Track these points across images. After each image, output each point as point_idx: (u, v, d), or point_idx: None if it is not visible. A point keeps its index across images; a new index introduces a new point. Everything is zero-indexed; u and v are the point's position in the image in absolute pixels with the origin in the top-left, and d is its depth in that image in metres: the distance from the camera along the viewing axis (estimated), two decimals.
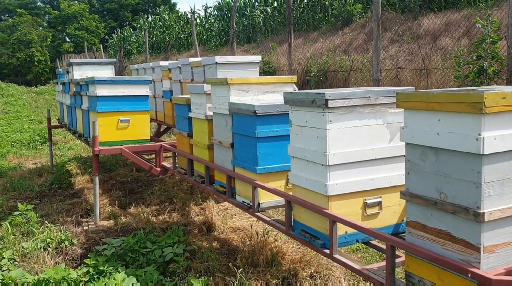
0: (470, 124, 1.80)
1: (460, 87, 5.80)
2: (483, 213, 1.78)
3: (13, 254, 4.19)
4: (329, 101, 2.59)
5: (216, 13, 22.92)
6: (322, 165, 2.68)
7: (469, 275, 1.81)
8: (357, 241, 2.79)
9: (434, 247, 2.01)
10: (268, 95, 3.95)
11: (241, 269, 3.61)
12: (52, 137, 9.24)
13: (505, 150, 1.80)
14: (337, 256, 2.62)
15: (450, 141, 1.88)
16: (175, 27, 24.82)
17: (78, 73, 6.96)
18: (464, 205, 1.85)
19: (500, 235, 1.85)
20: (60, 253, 4.33)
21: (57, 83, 8.93)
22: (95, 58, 26.42)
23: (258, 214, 3.45)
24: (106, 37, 41.58)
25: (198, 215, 5.31)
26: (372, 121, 2.74)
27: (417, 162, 2.06)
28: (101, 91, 5.38)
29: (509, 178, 1.84)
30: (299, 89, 10.20)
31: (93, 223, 5.25)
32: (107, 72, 7.01)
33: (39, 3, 45.28)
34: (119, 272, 3.59)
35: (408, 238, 2.15)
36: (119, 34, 32.97)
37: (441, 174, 1.94)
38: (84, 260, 3.94)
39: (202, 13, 24.99)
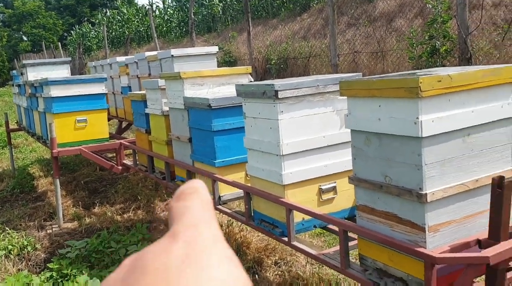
0: (408, 109, 1.84)
1: (414, 69, 5.93)
2: (426, 194, 1.84)
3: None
4: (279, 92, 2.61)
5: (175, 4, 22.62)
6: (277, 155, 2.70)
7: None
8: (314, 226, 2.84)
9: (383, 229, 2.06)
10: (223, 87, 3.94)
11: None
12: (13, 141, 9.00)
13: (443, 132, 1.86)
14: (295, 243, 2.66)
15: (391, 126, 1.92)
16: (134, 21, 24.38)
17: (33, 75, 6.78)
18: (407, 187, 1.91)
19: (443, 214, 1.92)
20: (23, 259, 4.25)
21: (13, 85, 8.68)
22: (54, 56, 25.76)
23: (220, 206, 3.46)
24: (65, 34, 40.51)
25: (163, 211, 5.28)
26: (322, 109, 2.77)
27: (362, 147, 2.11)
28: (56, 92, 5.26)
29: (449, 158, 1.90)
30: (260, 78, 10.20)
31: (56, 226, 5.16)
32: (63, 72, 6.85)
33: None
34: (83, 274, 3.55)
35: (359, 221, 2.20)
36: (78, 30, 32.17)
37: (385, 158, 1.99)
38: (48, 265, 3.88)
39: (161, 5, 24.62)
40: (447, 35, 5.50)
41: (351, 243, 2.40)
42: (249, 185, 3.14)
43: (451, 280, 1.96)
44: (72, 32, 34.08)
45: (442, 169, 1.89)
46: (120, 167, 5.12)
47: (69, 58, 7.51)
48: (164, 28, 21.25)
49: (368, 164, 2.08)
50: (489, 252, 1.78)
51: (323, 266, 3.53)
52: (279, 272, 3.53)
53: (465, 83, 1.89)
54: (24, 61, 7.11)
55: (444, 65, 5.52)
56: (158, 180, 4.42)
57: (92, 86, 5.40)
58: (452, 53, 5.57)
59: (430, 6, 5.72)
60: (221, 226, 4.36)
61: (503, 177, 1.81)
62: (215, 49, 5.23)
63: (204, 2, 18.32)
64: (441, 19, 5.53)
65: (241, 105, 3.14)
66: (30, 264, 4.18)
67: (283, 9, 13.93)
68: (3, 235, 4.68)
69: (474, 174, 1.98)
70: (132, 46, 20.53)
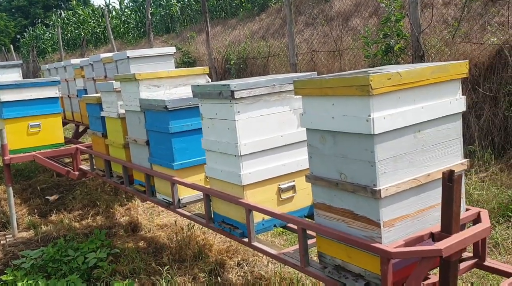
0: (360, 107, 1.87)
1: (370, 67, 6.04)
2: (380, 190, 1.87)
3: None
4: (235, 93, 2.59)
5: (132, 4, 22.26)
6: (235, 156, 2.69)
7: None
8: (275, 225, 2.85)
9: (340, 226, 2.08)
10: (180, 88, 3.89)
11: (167, 267, 3.57)
12: None
13: (395, 128, 1.89)
14: (255, 243, 2.65)
15: (344, 124, 1.94)
16: (90, 22, 23.84)
17: None
18: (362, 184, 1.93)
19: (397, 209, 1.95)
20: None
21: None
22: (7, 59, 24.86)
23: (179, 210, 3.41)
24: (18, 36, 39.19)
25: (123, 216, 5.18)
26: (279, 109, 2.78)
27: (317, 145, 2.12)
28: (6, 96, 5.07)
29: (401, 154, 1.94)
30: (220, 78, 10.14)
31: (11, 236, 4.97)
32: (14, 75, 6.62)
33: None
34: (39, 285, 3.44)
35: (316, 219, 2.21)
36: (31, 32, 31.18)
37: (340, 155, 2.01)
38: (1, 277, 3.73)
39: (117, 6, 24.18)
40: (400, 34, 5.63)
41: (310, 241, 2.42)
42: (208, 186, 3.11)
43: (406, 273, 2.00)
44: (25, 34, 33.02)
45: (394, 165, 1.92)
46: (76, 173, 4.98)
47: (20, 61, 7.26)
48: (122, 29, 20.88)
49: (324, 162, 2.09)
50: (441, 244, 1.83)
51: (285, 265, 3.54)
52: (242, 273, 3.52)
53: (414, 80, 1.93)
54: None
55: (398, 63, 5.65)
56: (116, 184, 4.32)
57: (45, 89, 5.23)
58: (405, 51, 5.70)
59: (384, 5, 5.83)
60: (182, 229, 4.31)
61: (453, 171, 1.86)
62: (172, 49, 5.16)
63: (162, 3, 18.10)
64: (395, 18, 5.65)
65: (198, 106, 3.10)
66: None
67: (241, 9, 13.94)
68: None
69: (426, 168, 2.03)
70: (89, 48, 20.07)
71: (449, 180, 1.86)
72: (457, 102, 2.13)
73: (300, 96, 2.23)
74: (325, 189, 2.11)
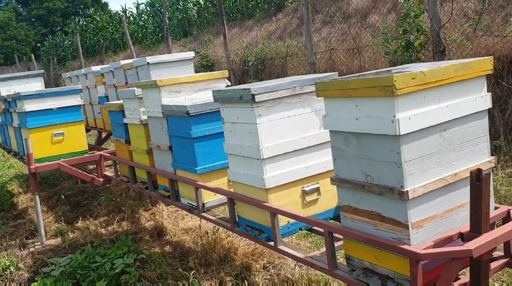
0: (384, 107, 1.85)
1: (390, 63, 5.97)
2: (407, 191, 1.84)
3: None
4: (255, 96, 2.59)
5: (149, 9, 22.47)
6: (257, 159, 2.69)
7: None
8: (300, 229, 2.83)
9: (368, 228, 2.06)
10: (201, 93, 3.91)
11: (193, 271, 3.59)
12: None
13: (420, 128, 1.87)
14: (281, 247, 2.65)
15: (369, 126, 1.92)
16: (108, 28, 24.15)
17: (6, 89, 6.65)
18: (389, 185, 1.91)
19: (425, 210, 1.92)
20: (6, 280, 4.16)
21: None
22: (28, 68, 25.34)
23: (204, 214, 3.43)
24: (38, 45, 39.93)
25: (148, 221, 5.23)
26: (300, 111, 2.77)
27: (342, 147, 2.11)
28: (30, 106, 5.16)
29: (427, 154, 1.91)
30: (239, 80, 10.17)
31: (39, 243, 5.06)
32: (36, 85, 6.74)
33: None
34: None
35: (343, 222, 2.20)
36: (51, 40, 31.74)
37: (365, 157, 1.99)
38: (32, 284, 3.80)
39: (135, 11, 24.44)
40: (420, 29, 5.55)
41: (337, 243, 2.40)
42: (232, 190, 3.12)
43: (436, 274, 1.97)
44: (45, 42, 33.63)
45: (421, 165, 1.90)
46: (101, 179, 5.05)
47: (42, 71, 7.39)
48: (140, 35, 21.09)
49: (349, 164, 2.08)
50: (471, 244, 1.79)
51: (311, 268, 3.53)
52: (268, 276, 3.52)
53: (439, 79, 1.90)
54: None
55: (419, 59, 5.58)
56: (140, 189, 4.36)
57: (67, 98, 5.31)
58: (426, 46, 5.62)
59: (402, 1, 5.77)
60: (207, 233, 4.33)
61: (481, 169, 1.83)
62: (191, 54, 5.19)
63: (179, 7, 18.23)
64: (414, 13, 5.57)
65: (219, 110, 3.12)
66: (14, 285, 4.09)
67: (258, 10, 13.94)
68: None
69: (453, 168, 2.00)
70: (108, 54, 20.33)
71: (477, 179, 1.82)
72: (482, 99, 2.09)
73: (321, 97, 2.22)
74: (351, 191, 2.09)
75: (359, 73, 2.29)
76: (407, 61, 5.61)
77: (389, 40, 5.96)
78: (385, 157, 1.90)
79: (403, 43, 5.73)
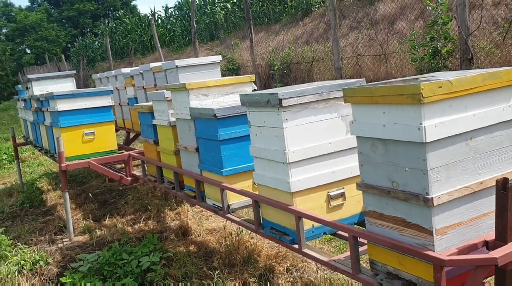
0: (411, 115, 1.88)
1: (417, 70, 5.95)
2: (432, 198, 1.87)
3: None
4: (283, 101, 2.65)
5: (177, 13, 22.76)
6: (283, 163, 2.74)
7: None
8: (324, 233, 2.87)
9: (392, 233, 2.09)
10: (228, 96, 3.99)
11: (218, 271, 3.66)
12: (20, 155, 9.08)
13: (447, 136, 1.89)
14: (305, 250, 2.69)
15: (396, 132, 1.95)
16: (137, 31, 24.55)
17: (38, 89, 6.86)
18: (414, 192, 1.94)
19: (450, 217, 1.94)
20: (36, 274, 4.31)
21: (18, 99, 8.77)
22: (58, 68, 25.93)
23: (229, 215, 3.49)
24: (68, 45, 40.81)
25: (173, 220, 5.33)
26: (327, 116, 2.81)
27: (368, 153, 2.14)
28: (62, 106, 5.33)
29: (453, 162, 1.93)
30: (264, 83, 10.21)
31: (67, 239, 5.21)
32: (68, 85, 6.93)
33: None
34: None
35: (368, 227, 2.23)
36: (81, 42, 32.42)
37: (391, 163, 2.02)
38: (60, 279, 3.93)
39: (163, 14, 24.77)
40: (448, 37, 5.53)
41: (361, 248, 2.43)
42: (257, 193, 3.18)
43: (460, 281, 1.99)
44: (75, 43, 34.34)
45: (447, 173, 1.92)
46: (129, 178, 5.17)
47: (74, 71, 7.60)
48: (167, 38, 21.37)
49: (375, 170, 2.11)
50: (496, 253, 1.81)
51: (334, 271, 3.56)
52: (291, 279, 3.56)
53: (466, 88, 1.92)
54: (29, 76, 7.19)
55: (446, 67, 5.55)
56: (167, 189, 4.46)
57: (98, 99, 5.47)
58: (453, 54, 5.59)
59: (430, 8, 5.75)
60: (231, 234, 4.40)
61: (507, 178, 1.84)
62: (218, 58, 5.28)
63: (206, 10, 18.43)
64: (442, 20, 5.55)
65: (246, 114, 3.18)
66: (43, 279, 4.23)
67: (284, 15, 14.00)
68: (15, 251, 4.74)
69: (479, 176, 2.01)
70: (136, 56, 20.66)
71: (503, 188, 1.84)
72: (510, 109, 2.10)
73: (349, 103, 2.26)
74: (376, 197, 2.13)
75: (387, 81, 2.33)
76: (434, 68, 5.59)
77: (416, 47, 5.95)
78: (411, 163, 1.93)
79: (430, 51, 5.71)
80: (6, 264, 4.42)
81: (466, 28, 5.25)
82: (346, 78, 7.36)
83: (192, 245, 4.55)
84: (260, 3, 15.46)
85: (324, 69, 8.44)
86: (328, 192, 2.82)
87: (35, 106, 6.63)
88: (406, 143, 1.93)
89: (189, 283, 3.63)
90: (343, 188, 2.86)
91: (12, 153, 10.55)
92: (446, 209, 1.93)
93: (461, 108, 1.95)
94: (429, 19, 6.02)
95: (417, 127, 1.85)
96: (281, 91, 2.70)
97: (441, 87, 1.85)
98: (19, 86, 9.00)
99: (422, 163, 1.88)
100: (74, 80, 7.32)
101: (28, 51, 41.85)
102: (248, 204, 3.53)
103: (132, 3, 44.42)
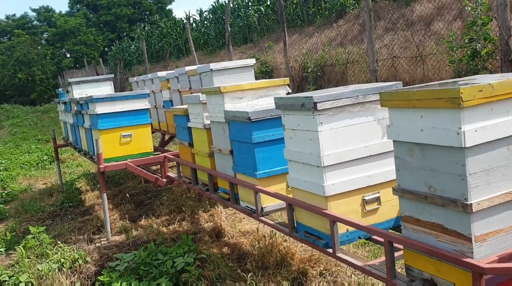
0: (450, 119, 1.85)
1: (455, 72, 5.82)
2: (471, 204, 1.83)
3: (29, 277, 4.29)
4: (318, 104, 2.64)
5: (211, 16, 22.99)
6: (318, 167, 2.73)
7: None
8: (359, 237, 2.84)
9: (429, 239, 2.06)
10: (262, 99, 4.00)
11: (251, 273, 3.67)
12: (60, 156, 9.37)
13: (487, 141, 1.85)
14: (340, 254, 2.67)
15: (434, 137, 1.92)
16: (172, 34, 24.92)
17: (78, 92, 7.06)
18: (452, 197, 1.90)
19: (490, 223, 1.90)
20: (75, 272, 4.43)
21: (59, 102, 9.05)
22: (96, 71, 26.61)
23: (262, 218, 3.50)
24: (106, 49, 41.81)
25: (207, 222, 5.38)
26: (363, 119, 2.79)
27: (405, 158, 2.11)
28: (101, 109, 5.46)
29: (493, 167, 1.88)
30: (297, 86, 10.17)
31: (105, 239, 5.34)
32: (106, 88, 7.10)
33: (35, 22, 45.58)
34: None
35: (404, 232, 2.20)
36: (118, 45, 33.15)
37: (429, 168, 1.99)
38: (98, 277, 4.03)
39: (198, 17, 25.06)
40: (488, 38, 5.39)
41: (396, 254, 2.40)
42: (290, 196, 3.17)
43: None
44: (112, 47, 35.13)
45: (487, 178, 1.87)
46: (164, 180, 5.25)
47: (112, 75, 7.78)
48: (202, 41, 21.60)
49: (412, 175, 2.08)
50: None
51: (368, 276, 3.52)
52: (325, 283, 3.54)
53: (507, 91, 1.87)
54: (69, 80, 7.41)
55: (485, 68, 5.41)
56: (201, 191, 4.51)
57: (136, 102, 5.58)
58: (494, 55, 5.44)
59: (469, 9, 5.62)
60: (264, 237, 4.41)
61: None
62: (252, 61, 5.31)
63: (240, 13, 18.53)
64: (481, 21, 5.42)
65: (280, 117, 3.19)
66: (82, 277, 4.35)
67: (318, 17, 13.94)
68: (55, 249, 4.88)
69: None
70: (172, 59, 20.98)
71: None
72: None
73: (386, 107, 2.23)
74: (413, 202, 2.10)
75: (424, 84, 2.29)
76: (473, 70, 5.45)
77: (454, 48, 5.82)
78: (450, 168, 1.89)
79: (469, 52, 5.58)
80: (47, 262, 4.56)
81: (507, 29, 5.10)
82: (381, 81, 7.27)
83: (226, 247, 4.58)
84: (294, 6, 15.45)
85: (358, 72, 8.36)
86: (363, 196, 2.79)
87: (75, 109, 6.83)
88: (445, 147, 1.89)
89: (222, 285, 3.66)
90: (379, 192, 2.83)
91: (53, 154, 10.88)
92: (485, 215, 1.88)
93: (502, 113, 1.90)
94: (468, 19, 5.88)
95: (456, 131, 1.82)
96: (316, 94, 2.69)
97: (481, 91, 1.81)
98: (60, 89, 9.28)
99: (461, 168, 1.84)
100: (112, 84, 7.50)
101: (68, 55, 43.08)
102: (282, 207, 3.53)
103: (167, 8, 45.12)
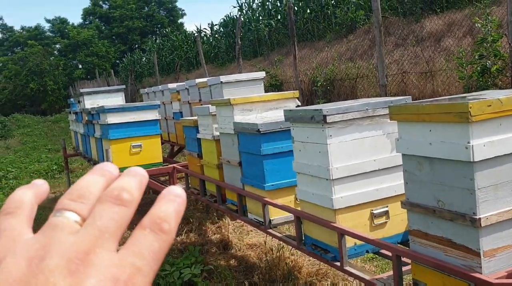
0: (459, 134, 1.86)
1: (465, 88, 5.83)
2: (480, 218, 1.83)
3: None
4: (327, 117, 2.66)
5: (222, 30, 23.19)
6: (326, 180, 2.74)
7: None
8: (367, 251, 2.84)
9: (437, 253, 2.05)
10: (271, 112, 4.03)
11: None
12: (69, 166, 9.43)
13: (495, 156, 1.85)
14: (347, 268, 2.66)
15: (442, 151, 1.93)
16: (183, 47, 25.15)
17: (89, 102, 7.14)
18: (461, 212, 1.90)
19: (499, 238, 1.89)
20: None
21: (70, 112, 9.15)
22: (108, 83, 26.85)
23: (270, 230, 3.51)
24: (117, 61, 42.24)
25: (214, 234, 5.38)
26: (372, 133, 2.80)
27: (414, 171, 2.12)
28: (112, 119, 5.52)
29: (502, 182, 1.89)
30: (307, 99, 10.20)
31: None
32: (117, 99, 7.18)
33: (48, 33, 46.23)
34: None
35: (412, 246, 2.20)
36: (129, 57, 33.47)
37: (437, 182, 2.00)
38: None
39: (209, 31, 25.29)
40: (498, 54, 5.40)
41: (404, 268, 2.39)
42: (299, 208, 3.18)
43: None
44: (124, 59, 35.48)
45: (495, 193, 1.88)
46: None
47: (123, 86, 7.87)
48: (212, 54, 21.77)
49: (421, 189, 2.09)
50: None
51: None
52: None
53: None
54: (81, 90, 7.50)
55: (495, 85, 5.41)
56: (209, 202, 4.53)
57: (146, 112, 5.63)
58: (503, 72, 5.45)
59: (479, 25, 5.64)
60: (271, 250, 4.40)
61: None
62: (262, 74, 5.35)
63: (250, 27, 18.69)
64: (491, 37, 5.43)
65: (290, 129, 3.21)
66: None
67: (329, 31, 14.02)
68: None
69: None
70: (182, 72, 21.14)
71: None
72: None
73: (395, 121, 2.25)
74: (421, 216, 2.10)
75: (433, 99, 2.31)
76: (483, 87, 5.45)
77: (464, 64, 5.83)
78: (458, 182, 1.90)
79: (478, 68, 5.58)
80: None
81: None
82: (391, 96, 7.27)
83: (233, 259, 4.57)
84: (304, 20, 15.56)
85: (368, 86, 8.38)
86: (372, 210, 2.79)
87: (86, 119, 6.90)
88: (453, 161, 1.90)
89: None
90: (387, 206, 2.83)
91: (62, 164, 10.96)
92: (494, 230, 1.88)
93: (511, 128, 1.90)
94: (478, 36, 5.90)
95: (464, 146, 1.83)
96: (325, 107, 2.71)
97: (490, 105, 1.82)
98: (72, 99, 9.39)
99: (470, 182, 1.85)
100: (123, 95, 7.58)
101: (80, 66, 43.56)
102: (290, 219, 3.53)
103: (179, 21, 45.59)
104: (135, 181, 0.42)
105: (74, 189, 0.41)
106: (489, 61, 5.48)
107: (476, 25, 5.95)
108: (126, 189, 0.40)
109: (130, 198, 0.41)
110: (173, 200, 0.41)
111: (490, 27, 5.46)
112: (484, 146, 1.83)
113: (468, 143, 1.82)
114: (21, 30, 45.92)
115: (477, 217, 1.83)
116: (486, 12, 5.70)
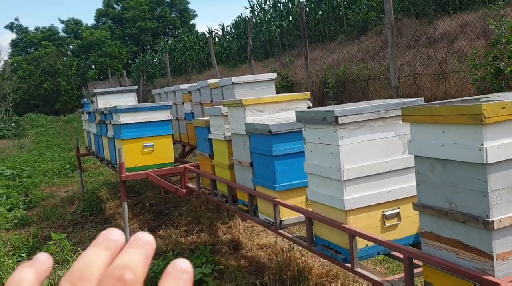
0: (472, 135, 1.85)
1: (478, 91, 5.78)
2: (492, 221, 1.82)
3: (49, 283, 4.35)
4: (339, 118, 2.66)
5: (234, 31, 23.23)
6: (338, 181, 2.74)
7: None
8: (378, 253, 2.83)
9: (449, 256, 2.04)
10: (283, 113, 4.03)
11: None
12: (82, 165, 9.52)
13: (509, 158, 1.84)
14: (358, 269, 2.66)
15: (455, 153, 1.92)
16: (195, 48, 25.23)
17: (102, 102, 7.20)
18: (473, 214, 1.89)
19: None
20: None
21: (83, 112, 9.23)
22: (120, 83, 27.04)
23: (281, 231, 3.51)
24: (129, 62, 42.50)
25: (225, 234, 5.40)
26: (384, 134, 2.79)
27: (426, 173, 2.11)
28: (125, 119, 5.56)
29: None
30: (318, 101, 10.19)
31: None
32: (130, 99, 7.23)
33: (62, 34, 46.68)
34: None
35: (424, 248, 2.19)
36: (142, 58, 33.66)
37: (450, 184, 1.99)
38: None
39: (220, 32, 25.35)
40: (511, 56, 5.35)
41: (415, 270, 2.38)
42: (310, 209, 3.18)
43: None
44: (136, 60, 35.68)
45: (509, 196, 1.86)
46: (184, 190, 5.30)
47: (136, 87, 7.93)
48: (224, 55, 21.82)
49: (433, 190, 2.08)
50: None
51: None
52: None
53: None
54: (95, 90, 7.57)
55: (509, 87, 5.35)
56: (220, 203, 4.54)
57: (158, 113, 5.67)
58: None
59: (493, 27, 5.59)
60: (282, 250, 4.40)
61: None
62: (273, 75, 5.36)
63: (262, 29, 18.70)
64: (505, 39, 5.38)
65: (301, 130, 3.22)
66: None
67: (340, 33, 13.98)
68: (76, 255, 4.95)
69: None
70: (193, 72, 21.22)
71: None
72: None
73: (407, 122, 2.24)
74: (433, 218, 2.09)
75: (447, 100, 2.30)
76: (496, 89, 5.40)
77: (478, 66, 5.78)
78: (471, 185, 1.89)
79: (492, 70, 5.53)
80: (67, 268, 4.63)
81: None
82: (403, 97, 7.24)
83: (243, 259, 4.59)
84: (316, 22, 15.54)
85: (380, 88, 8.34)
86: (383, 212, 2.79)
87: (99, 118, 6.96)
88: (466, 163, 1.89)
89: None
90: (399, 208, 2.82)
91: (75, 163, 11.07)
92: (507, 233, 1.87)
93: None
94: (492, 38, 5.85)
95: (478, 148, 1.82)
96: (337, 108, 2.71)
97: (504, 107, 1.81)
98: (85, 99, 9.48)
99: (483, 184, 1.84)
100: (136, 95, 7.63)
101: (92, 66, 43.90)
102: (301, 220, 3.53)
103: (191, 22, 45.78)
104: (139, 255, 0.41)
105: (76, 268, 0.40)
106: (503, 63, 5.43)
107: (490, 27, 5.90)
108: (129, 266, 0.39)
109: (133, 278, 0.39)
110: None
111: (504, 28, 5.41)
112: (497, 148, 1.82)
113: (482, 145, 1.81)
114: (35, 31, 46.43)
115: (490, 219, 1.82)
116: (500, 13, 5.65)
